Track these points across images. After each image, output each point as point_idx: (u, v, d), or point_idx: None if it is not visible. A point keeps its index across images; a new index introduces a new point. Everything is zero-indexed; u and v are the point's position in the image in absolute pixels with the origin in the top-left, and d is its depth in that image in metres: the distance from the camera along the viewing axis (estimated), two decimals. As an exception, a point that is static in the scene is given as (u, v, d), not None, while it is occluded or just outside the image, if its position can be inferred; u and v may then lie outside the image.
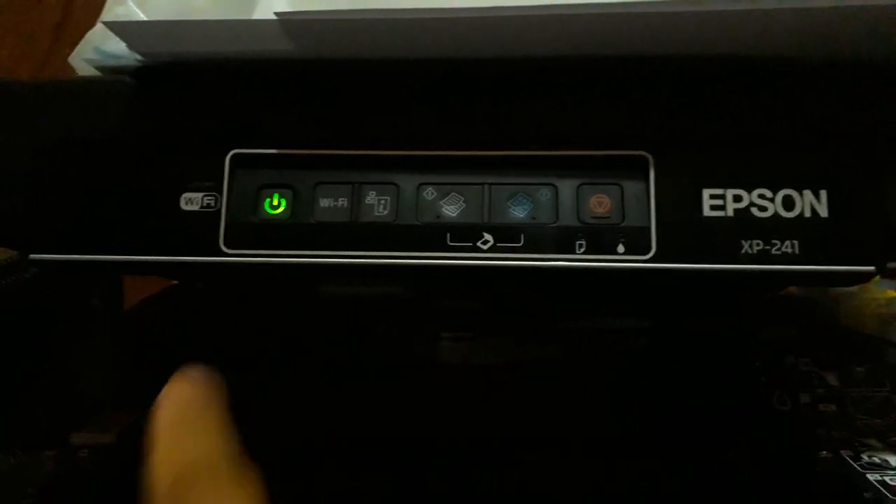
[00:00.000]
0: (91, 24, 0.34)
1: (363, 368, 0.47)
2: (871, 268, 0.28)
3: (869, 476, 0.33)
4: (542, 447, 0.39)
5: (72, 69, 0.35)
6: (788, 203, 0.29)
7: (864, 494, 0.31)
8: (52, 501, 0.35)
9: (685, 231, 0.29)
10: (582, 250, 0.29)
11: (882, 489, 0.31)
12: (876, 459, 0.34)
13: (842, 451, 0.35)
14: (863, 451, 0.35)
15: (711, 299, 0.45)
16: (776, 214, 0.29)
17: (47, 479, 0.36)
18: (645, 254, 0.29)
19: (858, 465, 0.34)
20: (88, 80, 0.33)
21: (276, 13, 0.27)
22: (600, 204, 0.29)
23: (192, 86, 0.32)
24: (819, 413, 0.39)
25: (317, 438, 0.42)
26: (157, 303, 0.51)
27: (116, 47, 0.32)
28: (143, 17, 0.31)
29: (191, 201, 0.30)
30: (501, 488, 0.38)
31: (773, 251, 0.28)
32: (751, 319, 0.44)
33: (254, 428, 0.42)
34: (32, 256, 0.31)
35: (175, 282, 0.53)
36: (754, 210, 0.29)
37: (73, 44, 0.34)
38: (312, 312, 0.52)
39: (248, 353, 0.46)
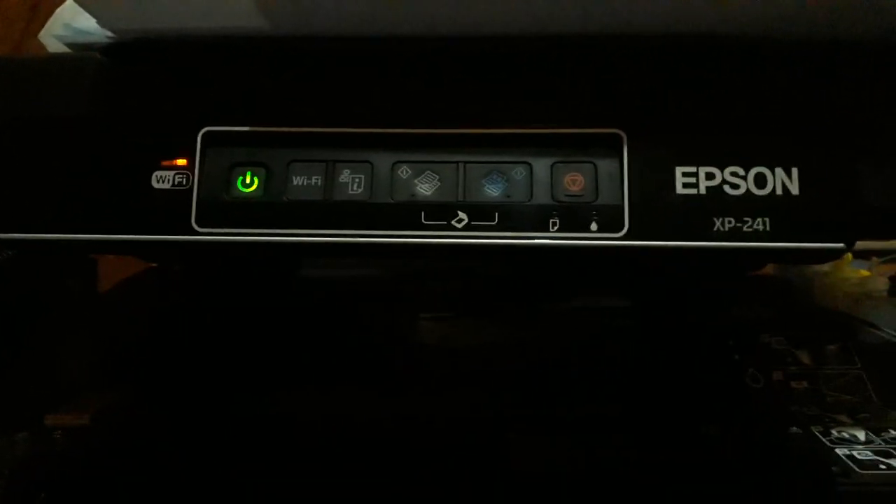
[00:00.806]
0: (65, 4, 0.33)
1: (345, 350, 0.47)
2: (842, 245, 0.29)
3: (838, 451, 0.33)
4: (522, 426, 0.39)
5: (43, 47, 0.34)
6: (760, 180, 0.29)
7: (833, 468, 0.31)
8: (25, 482, 0.34)
9: (658, 209, 0.29)
10: (556, 228, 0.29)
11: (850, 463, 0.32)
12: (845, 435, 0.35)
13: (812, 427, 0.35)
14: (833, 427, 0.35)
15: (686, 279, 0.45)
16: (748, 192, 0.29)
17: (20, 460, 0.35)
18: (618, 231, 0.29)
19: (828, 441, 0.34)
20: (57, 57, 0.32)
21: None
22: (574, 182, 0.30)
23: (163, 62, 0.31)
24: (791, 390, 0.39)
25: (297, 420, 0.42)
26: (132, 285, 0.50)
27: (87, 24, 0.31)
28: (113, -8, 0.31)
29: (162, 179, 0.30)
30: (484, 466, 0.38)
31: (745, 228, 0.29)
32: (726, 298, 0.45)
33: (233, 408, 0.42)
34: (1, 236, 0.30)
35: (151, 265, 0.53)
36: (726, 188, 0.29)
37: (48, 23, 0.34)
38: (292, 294, 0.52)
39: (226, 336, 0.46)
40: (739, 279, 0.48)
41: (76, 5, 0.29)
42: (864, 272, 0.48)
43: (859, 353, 0.41)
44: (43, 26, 0.34)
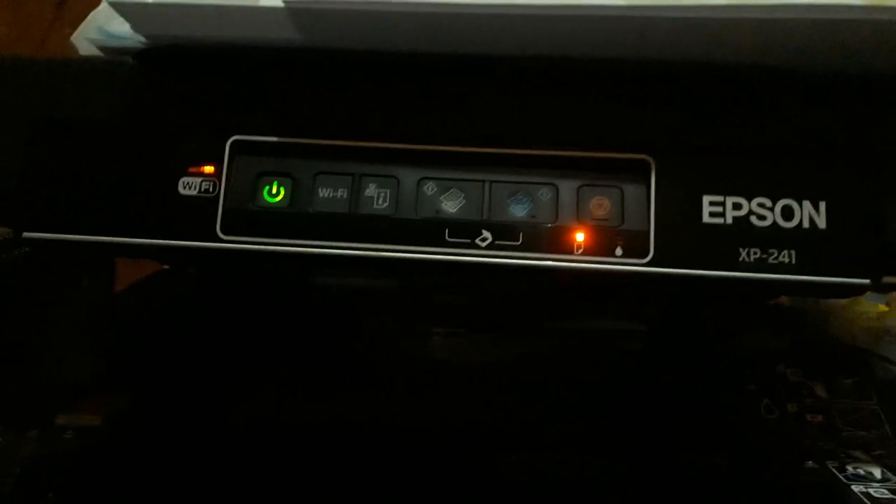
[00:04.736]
0: (92, 4, 0.33)
1: (351, 361, 0.47)
2: (867, 280, 0.29)
3: (854, 487, 0.33)
4: (525, 446, 0.39)
5: (73, 48, 0.34)
6: (787, 213, 0.29)
7: (849, 505, 0.31)
8: (35, 481, 0.34)
9: (683, 236, 0.29)
10: (580, 252, 0.29)
11: (866, 501, 0.31)
12: (861, 471, 0.34)
13: (827, 462, 0.35)
14: (848, 463, 0.35)
15: (703, 305, 0.45)
16: (775, 224, 0.29)
17: (31, 459, 0.35)
18: (643, 257, 0.29)
19: (843, 477, 0.34)
20: (90, 60, 0.32)
21: (284, 1, 0.27)
22: (600, 206, 0.29)
23: (194, 69, 0.31)
24: (806, 423, 0.39)
25: (302, 429, 0.41)
26: (147, 286, 0.50)
27: (120, 28, 0.31)
28: (148, -2, 0.31)
29: (189, 186, 0.30)
30: (485, 484, 0.38)
31: (770, 260, 0.29)
32: (742, 328, 0.45)
33: (245, 412, 0.42)
34: (26, 234, 0.31)
35: (166, 266, 0.53)
36: (753, 218, 0.29)
37: (74, 23, 0.34)
38: (304, 303, 0.52)
39: (238, 339, 0.46)
40: (758, 307, 0.48)
41: (110, 9, 0.29)
42: (882, 307, 0.48)
43: (875, 388, 0.40)
44: (67, 25, 0.34)
